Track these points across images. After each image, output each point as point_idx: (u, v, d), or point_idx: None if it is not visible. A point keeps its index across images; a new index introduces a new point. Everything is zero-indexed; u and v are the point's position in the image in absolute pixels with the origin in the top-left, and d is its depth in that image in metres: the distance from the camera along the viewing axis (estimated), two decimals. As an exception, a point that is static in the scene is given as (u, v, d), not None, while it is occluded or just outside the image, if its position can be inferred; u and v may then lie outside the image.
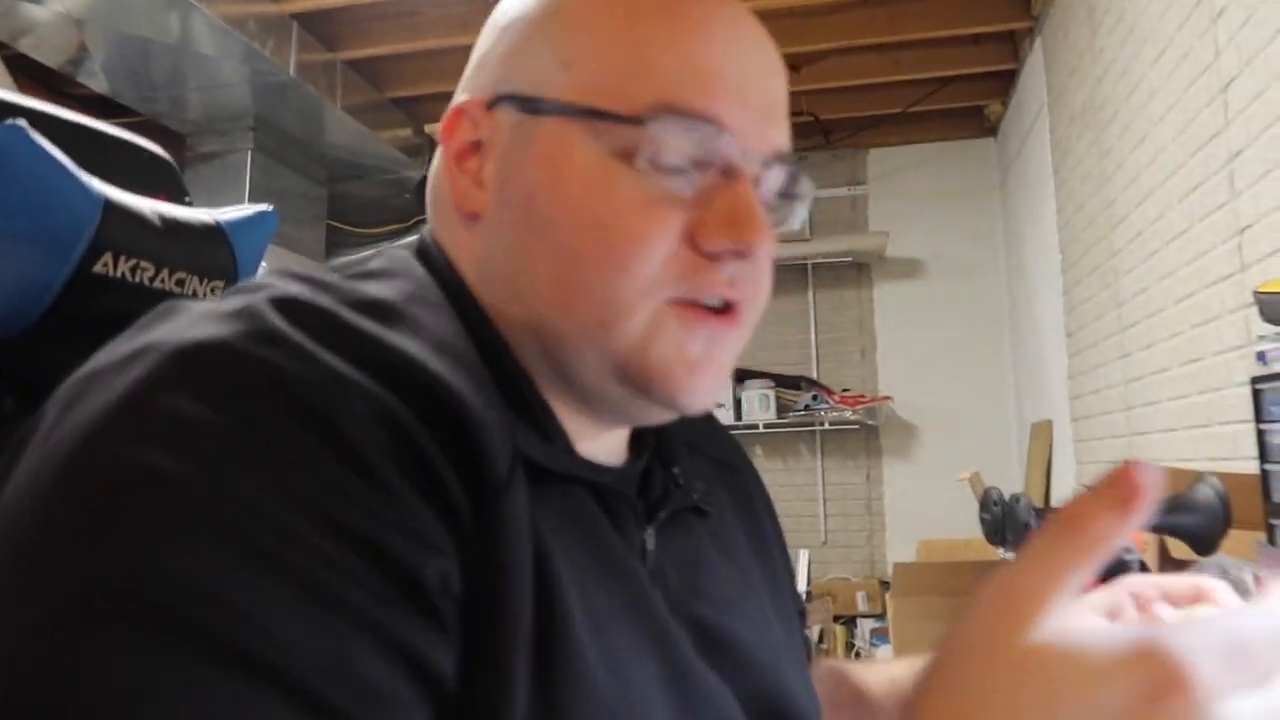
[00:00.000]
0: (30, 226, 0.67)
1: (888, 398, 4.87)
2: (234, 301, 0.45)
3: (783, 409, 4.81)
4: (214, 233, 0.81)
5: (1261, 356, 1.53)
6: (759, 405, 4.77)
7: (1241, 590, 1.32)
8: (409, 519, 0.41)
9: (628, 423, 0.60)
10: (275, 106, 3.83)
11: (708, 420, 0.76)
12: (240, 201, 3.88)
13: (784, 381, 4.86)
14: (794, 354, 5.04)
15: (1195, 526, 1.25)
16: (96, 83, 3.51)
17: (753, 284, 0.56)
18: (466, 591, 0.43)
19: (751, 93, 0.55)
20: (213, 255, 0.80)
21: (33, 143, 0.66)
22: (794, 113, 4.58)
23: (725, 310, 0.55)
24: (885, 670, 0.78)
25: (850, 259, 4.97)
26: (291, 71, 3.57)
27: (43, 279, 0.67)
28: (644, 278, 0.52)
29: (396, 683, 0.39)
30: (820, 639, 4.06)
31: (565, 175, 0.52)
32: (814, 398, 4.76)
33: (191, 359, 0.41)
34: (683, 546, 0.61)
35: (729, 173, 0.54)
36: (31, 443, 0.42)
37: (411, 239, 0.62)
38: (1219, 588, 0.55)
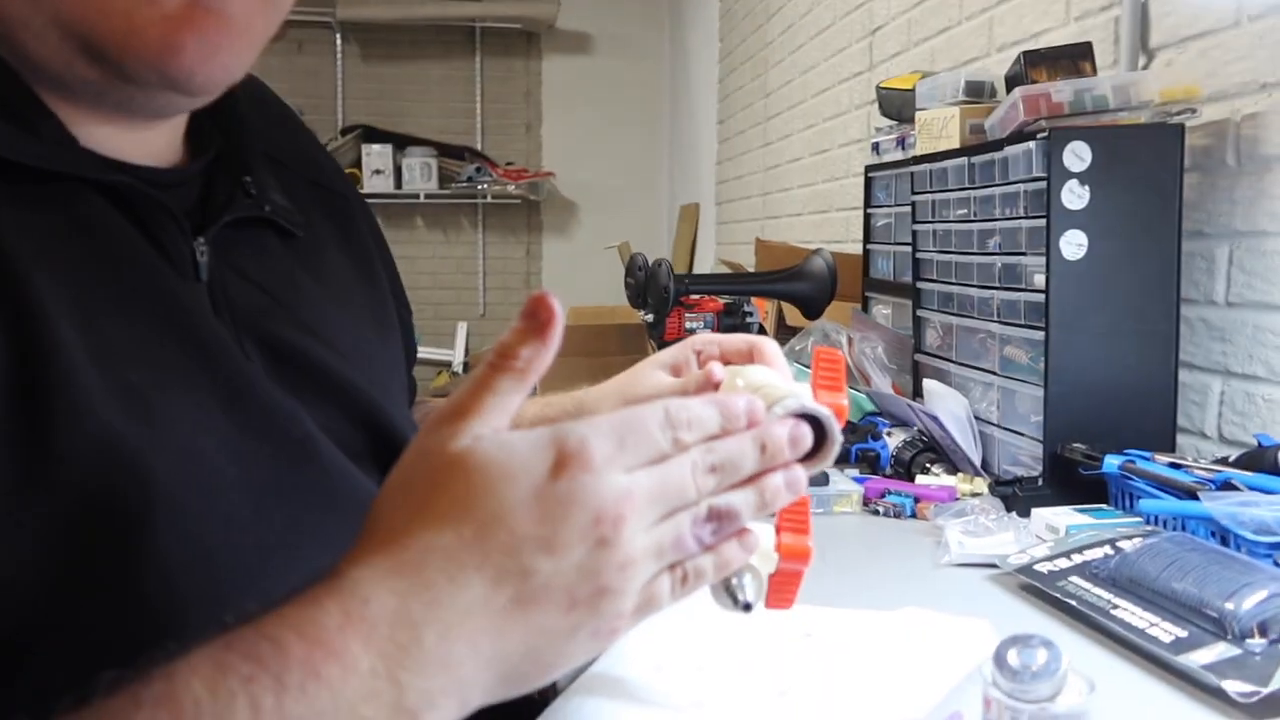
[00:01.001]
0: None
1: (550, 173, 4.91)
2: None
3: (445, 179, 4.70)
4: None
5: (876, 147, 1.70)
6: (420, 174, 4.62)
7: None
8: None
9: (139, 113, 0.52)
10: None
11: (308, 141, 0.70)
12: None
13: (447, 151, 4.73)
14: (459, 123, 4.89)
15: (807, 293, 1.41)
16: None
17: None
18: None
19: None
20: None
21: None
22: None
23: None
24: None
25: (520, 26, 4.82)
26: None
27: None
28: None
29: None
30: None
31: None
32: (477, 169, 4.69)
33: None
34: (257, 263, 0.57)
35: None
36: None
37: None
38: (769, 345, 0.61)
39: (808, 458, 0.45)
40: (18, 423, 0.40)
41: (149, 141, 0.53)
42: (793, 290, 1.42)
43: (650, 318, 1.50)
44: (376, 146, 4.57)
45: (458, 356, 4.63)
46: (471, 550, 0.37)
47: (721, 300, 1.52)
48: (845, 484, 1.11)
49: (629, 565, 0.39)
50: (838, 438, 0.46)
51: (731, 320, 1.45)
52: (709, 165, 3.97)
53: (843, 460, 1.22)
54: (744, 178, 3.43)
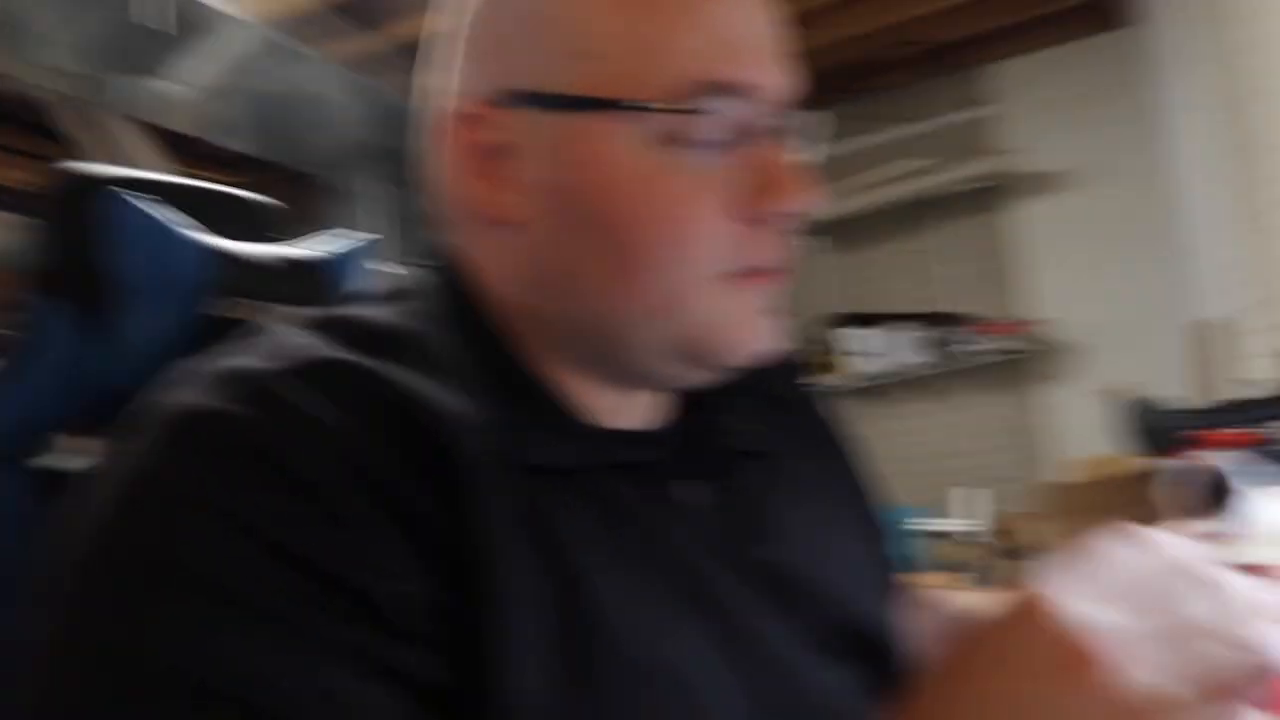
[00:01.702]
0: (159, 283, 0.75)
1: (1040, 321, 4.68)
2: (227, 364, 0.50)
3: (933, 347, 4.68)
4: (324, 265, 0.89)
5: None
6: (908, 348, 4.66)
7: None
8: (376, 553, 0.45)
9: (675, 388, 0.61)
10: (398, 136, 4.02)
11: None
12: (382, 235, 4.11)
13: (931, 320, 4.74)
14: (938, 290, 4.90)
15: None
16: (235, 143, 3.77)
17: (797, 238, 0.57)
18: (452, 603, 0.46)
19: (767, 44, 0.54)
20: (325, 287, 0.88)
21: (144, 210, 0.75)
22: (900, 42, 4.45)
23: (775, 269, 0.56)
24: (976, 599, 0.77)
25: (984, 184, 4.78)
26: (406, 99, 3.73)
27: (174, 330, 0.76)
28: (703, 261, 0.53)
29: (382, 701, 0.43)
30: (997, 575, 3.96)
31: (613, 174, 0.52)
32: (963, 332, 4.62)
33: (171, 433, 0.47)
34: (736, 494, 0.62)
35: (762, 134, 0.54)
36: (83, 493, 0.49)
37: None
38: None
39: None
40: (566, 661, 0.48)
41: (645, 403, 0.62)
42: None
43: (1164, 464, 1.35)
44: (862, 330, 4.72)
45: (972, 524, 4.43)
46: None
47: (1252, 430, 1.32)
48: None
49: None
50: None
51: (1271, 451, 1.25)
52: (1224, 277, 3.52)
53: None
54: (1262, 284, 2.99)
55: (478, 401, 0.51)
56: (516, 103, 0.53)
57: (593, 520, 0.53)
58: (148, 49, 2.96)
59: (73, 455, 0.73)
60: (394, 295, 0.59)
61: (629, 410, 0.60)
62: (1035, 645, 0.42)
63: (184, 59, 3.08)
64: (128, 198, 0.73)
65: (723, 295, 0.54)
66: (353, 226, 4.05)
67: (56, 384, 0.72)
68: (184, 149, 4.12)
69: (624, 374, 0.58)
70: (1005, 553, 3.86)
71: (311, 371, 0.48)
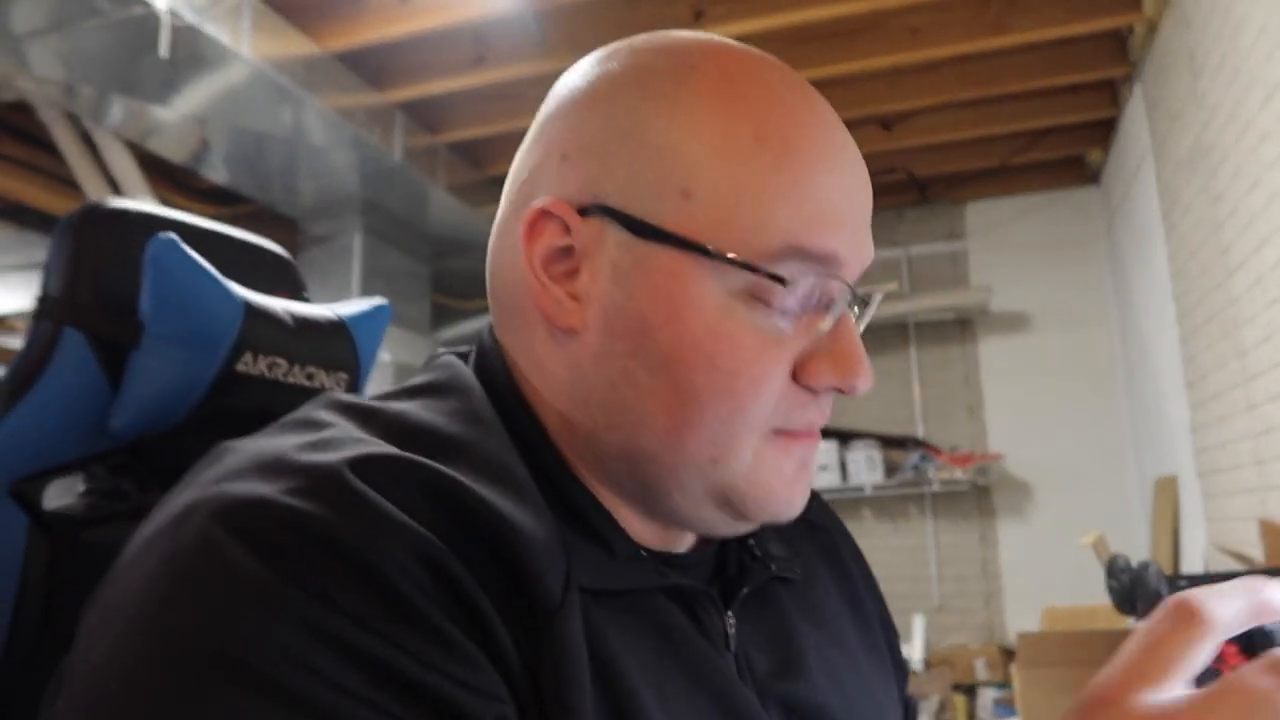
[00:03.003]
0: (182, 329, 0.71)
1: (998, 455, 4.73)
2: (276, 445, 0.47)
3: (890, 470, 4.72)
4: (337, 328, 0.84)
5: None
6: (865, 467, 4.68)
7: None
8: (460, 665, 0.42)
9: (707, 534, 0.60)
10: (382, 190, 4.00)
11: None
12: (349, 280, 4.06)
13: (890, 442, 4.77)
14: (899, 413, 4.95)
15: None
16: (217, 175, 3.73)
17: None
18: (519, 716, 0.44)
19: (860, 224, 0.55)
20: (337, 349, 0.83)
21: (183, 253, 0.71)
22: (887, 170, 4.58)
23: (816, 429, 0.56)
24: None
25: (953, 315, 4.88)
26: (397, 156, 3.73)
27: (193, 378, 0.71)
28: (758, 416, 0.52)
29: None
30: (940, 709, 3.91)
31: (685, 315, 0.51)
32: (922, 457, 4.66)
33: (231, 521, 0.42)
34: (768, 622, 0.61)
35: (835, 305, 0.54)
36: (109, 582, 0.45)
37: (472, 341, 0.62)
38: None
39: None
40: None
41: (684, 534, 0.61)
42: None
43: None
44: (822, 444, 4.72)
45: (916, 653, 4.40)
46: None
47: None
48: None
49: None
50: None
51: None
52: (1183, 434, 3.60)
53: None
54: (1229, 445, 3.05)
55: (534, 515, 0.49)
56: (603, 215, 0.52)
57: (638, 638, 0.52)
58: (146, 72, 2.93)
59: (60, 495, 0.67)
60: (430, 390, 0.56)
61: (667, 536, 0.59)
62: None
63: (178, 86, 3.05)
64: (173, 241, 0.69)
65: (768, 450, 0.54)
66: (329, 275, 4.02)
67: (59, 415, 0.66)
68: (164, 173, 4.07)
69: (658, 510, 0.56)
70: (954, 686, 3.82)
71: (379, 468, 0.45)
